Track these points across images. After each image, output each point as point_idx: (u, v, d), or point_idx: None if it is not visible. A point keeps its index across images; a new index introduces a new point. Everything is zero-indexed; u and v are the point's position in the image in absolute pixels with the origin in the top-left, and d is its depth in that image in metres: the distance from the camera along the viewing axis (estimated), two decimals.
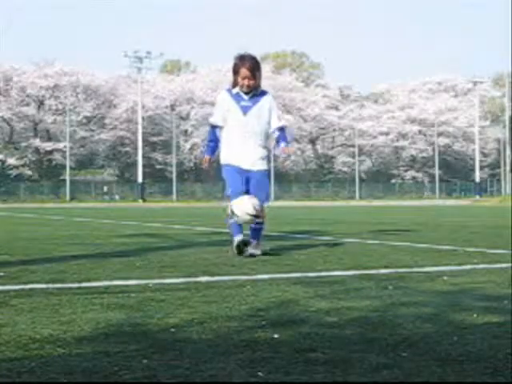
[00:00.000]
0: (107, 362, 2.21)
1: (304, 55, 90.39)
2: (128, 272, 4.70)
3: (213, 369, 2.12)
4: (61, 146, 60.90)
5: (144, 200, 55.96)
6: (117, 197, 61.19)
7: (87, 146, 64.53)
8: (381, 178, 73.86)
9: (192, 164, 66.42)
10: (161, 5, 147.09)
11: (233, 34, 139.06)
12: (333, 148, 74.19)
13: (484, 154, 75.63)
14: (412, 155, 74.54)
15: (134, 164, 61.59)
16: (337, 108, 74.48)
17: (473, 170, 70.93)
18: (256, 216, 5.98)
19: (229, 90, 6.28)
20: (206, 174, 60.07)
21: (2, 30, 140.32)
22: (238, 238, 6.01)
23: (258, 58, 6.35)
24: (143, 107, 60.68)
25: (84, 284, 4.07)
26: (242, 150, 6.17)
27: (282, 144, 6.28)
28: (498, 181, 74.97)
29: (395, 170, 75.19)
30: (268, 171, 6.42)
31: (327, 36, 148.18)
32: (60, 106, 62.01)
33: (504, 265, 5.13)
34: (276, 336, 2.58)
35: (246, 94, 6.18)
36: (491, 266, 5.10)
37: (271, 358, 2.25)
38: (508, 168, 70.57)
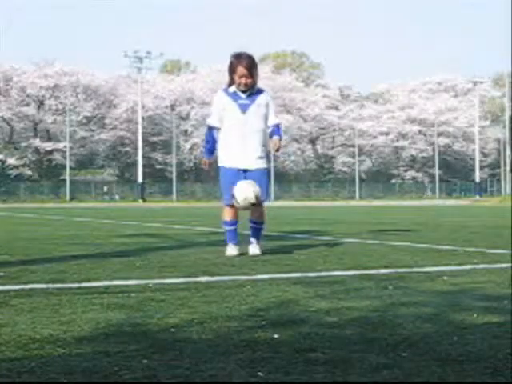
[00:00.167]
0: (107, 361, 2.21)
1: (304, 55, 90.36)
2: (128, 272, 4.70)
3: (213, 369, 2.12)
4: (61, 145, 60.84)
5: (144, 200, 55.91)
6: (117, 197, 61.15)
7: (87, 145, 64.47)
8: (381, 178, 73.81)
9: (192, 164, 66.37)
10: (161, 5, 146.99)
11: (233, 33, 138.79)
12: (333, 148, 74.15)
13: (484, 154, 75.58)
14: (412, 155, 74.50)
15: (134, 164, 61.55)
16: (337, 108, 74.43)
17: (473, 169, 70.89)
18: (254, 204, 5.97)
19: (225, 90, 6.25)
20: (206, 174, 60.02)
21: (2, 29, 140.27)
22: (231, 252, 6.03)
23: (257, 58, 6.34)
24: (143, 107, 60.65)
25: (84, 284, 4.07)
26: (240, 150, 6.12)
27: (275, 137, 6.24)
28: (498, 181, 74.93)
29: (395, 170, 75.15)
30: (267, 170, 6.39)
31: (327, 36, 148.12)
32: (60, 106, 61.95)
33: (504, 265, 5.13)
34: (276, 336, 2.58)
35: (243, 92, 6.15)
36: (491, 266, 5.10)
37: (271, 358, 2.25)
38: (508, 168, 70.52)
